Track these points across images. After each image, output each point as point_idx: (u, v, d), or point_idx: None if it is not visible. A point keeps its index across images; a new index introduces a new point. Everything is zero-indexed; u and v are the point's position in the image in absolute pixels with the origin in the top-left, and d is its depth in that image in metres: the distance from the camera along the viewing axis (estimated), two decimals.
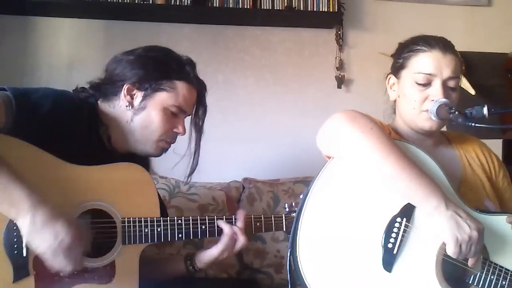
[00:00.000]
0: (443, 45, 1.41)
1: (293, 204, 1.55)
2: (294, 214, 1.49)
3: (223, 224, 1.43)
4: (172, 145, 1.52)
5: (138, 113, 1.43)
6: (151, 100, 1.42)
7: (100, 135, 1.43)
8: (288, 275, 1.28)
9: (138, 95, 1.43)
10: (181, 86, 1.45)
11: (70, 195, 1.28)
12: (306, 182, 1.43)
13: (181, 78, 1.45)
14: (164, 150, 1.50)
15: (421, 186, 1.20)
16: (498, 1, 2.71)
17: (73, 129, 1.34)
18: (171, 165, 2.42)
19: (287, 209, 1.55)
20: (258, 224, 1.47)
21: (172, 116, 1.46)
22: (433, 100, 1.37)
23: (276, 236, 2.05)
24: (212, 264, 1.49)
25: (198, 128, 1.54)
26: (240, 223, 1.45)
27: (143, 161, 1.52)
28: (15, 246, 1.20)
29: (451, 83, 1.39)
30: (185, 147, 1.54)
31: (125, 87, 1.42)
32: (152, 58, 1.46)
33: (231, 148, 2.49)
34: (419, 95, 1.39)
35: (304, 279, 1.21)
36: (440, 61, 1.38)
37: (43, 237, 1.14)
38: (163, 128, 1.44)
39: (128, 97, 1.42)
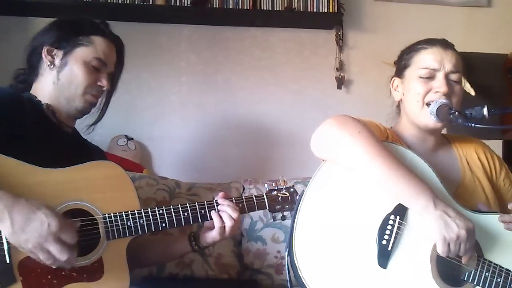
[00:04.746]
0: (443, 42, 1.46)
1: (273, 184, 1.57)
2: (275, 193, 1.54)
3: (213, 215, 1.45)
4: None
5: (61, 70, 1.48)
6: (71, 56, 1.49)
7: (47, 116, 1.46)
8: (287, 275, 1.29)
9: (58, 54, 1.49)
10: (98, 40, 1.52)
11: (46, 199, 1.26)
12: (306, 183, 1.44)
13: (97, 33, 1.52)
14: (92, 104, 1.54)
15: (409, 186, 1.22)
16: (498, 2, 2.71)
17: (18, 119, 1.36)
18: (169, 165, 2.44)
19: (267, 188, 1.57)
20: (240, 205, 1.49)
21: (94, 70, 1.51)
22: (437, 92, 1.40)
23: (277, 236, 2.05)
24: (217, 243, 1.52)
25: (112, 83, 1.59)
26: (221, 200, 1.47)
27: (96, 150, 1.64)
28: None
29: (454, 77, 1.43)
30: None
31: (45, 48, 1.48)
32: (66, 20, 1.55)
33: (231, 149, 2.49)
34: (423, 87, 1.42)
35: (302, 277, 1.22)
36: (442, 56, 1.43)
37: (30, 230, 1.12)
38: (86, 80, 1.49)
39: (49, 57, 1.48)
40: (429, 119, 1.41)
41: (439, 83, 1.40)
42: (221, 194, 1.50)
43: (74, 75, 1.48)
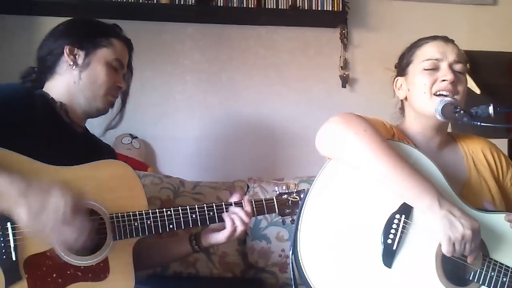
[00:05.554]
0: (444, 37, 1.47)
1: (284, 187, 1.57)
2: (285, 196, 1.54)
3: (225, 217, 1.46)
4: None
5: (84, 70, 1.48)
6: (94, 57, 1.49)
7: (59, 114, 1.46)
8: (292, 273, 1.29)
9: (80, 54, 1.49)
10: (116, 42, 1.54)
11: None
12: (310, 181, 1.44)
13: (114, 36, 1.55)
14: (111, 104, 1.56)
15: (413, 185, 1.21)
16: (503, 0, 2.70)
17: (29, 115, 1.35)
18: (174, 164, 2.44)
19: (277, 192, 1.56)
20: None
21: (114, 71, 1.53)
22: (443, 80, 1.39)
23: (281, 235, 2.05)
24: (220, 244, 1.53)
25: (125, 89, 1.61)
26: (236, 198, 1.48)
27: (107, 148, 1.65)
28: (3, 251, 1.18)
29: (457, 67, 1.43)
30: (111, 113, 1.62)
31: (66, 48, 1.47)
32: (82, 21, 1.58)
33: (236, 148, 2.49)
34: (428, 78, 1.42)
35: (306, 276, 1.22)
36: (444, 47, 1.44)
37: (47, 212, 1.12)
38: (109, 81, 1.51)
39: (72, 57, 1.48)
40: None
41: (444, 72, 1.40)
42: (235, 196, 1.50)
43: (97, 75, 1.48)
